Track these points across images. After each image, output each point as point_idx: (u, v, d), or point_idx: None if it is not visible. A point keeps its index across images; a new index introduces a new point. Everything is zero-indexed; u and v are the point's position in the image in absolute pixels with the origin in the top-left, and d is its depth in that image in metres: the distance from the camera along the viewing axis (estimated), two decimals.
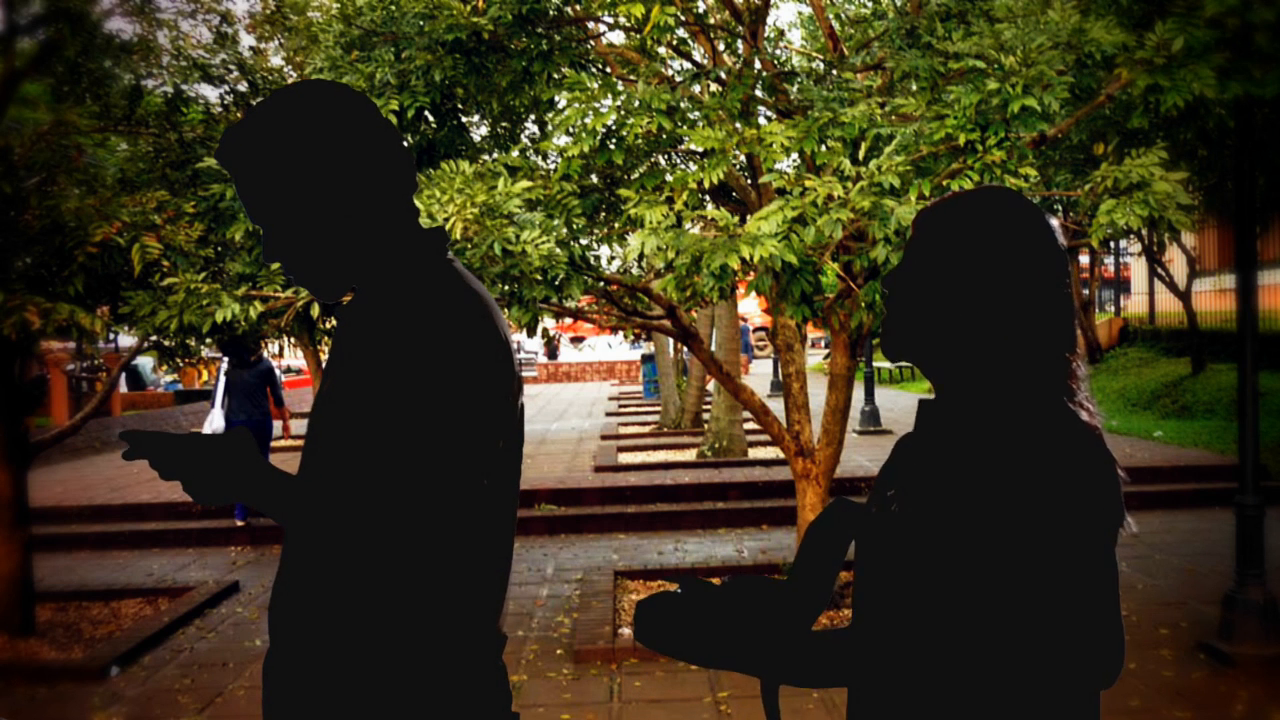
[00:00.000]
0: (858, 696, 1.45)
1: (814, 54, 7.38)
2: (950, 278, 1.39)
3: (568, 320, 9.39)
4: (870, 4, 7.84)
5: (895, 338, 1.45)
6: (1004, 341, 1.37)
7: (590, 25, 6.78)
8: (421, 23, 6.09)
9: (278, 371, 10.22)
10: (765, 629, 1.30)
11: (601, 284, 6.21)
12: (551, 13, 6.27)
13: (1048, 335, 1.39)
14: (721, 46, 6.82)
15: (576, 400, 22.11)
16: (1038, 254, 1.39)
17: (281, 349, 19.20)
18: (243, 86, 7.75)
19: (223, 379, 9.59)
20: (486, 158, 7.16)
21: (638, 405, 19.87)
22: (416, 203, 3.30)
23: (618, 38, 9.61)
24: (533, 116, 8.05)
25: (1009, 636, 1.29)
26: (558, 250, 5.19)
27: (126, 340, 10.09)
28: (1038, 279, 1.38)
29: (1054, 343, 1.39)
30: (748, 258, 4.63)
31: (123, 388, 20.00)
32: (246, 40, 11.58)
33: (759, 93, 6.24)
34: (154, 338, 6.76)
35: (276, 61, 9.05)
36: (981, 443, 1.36)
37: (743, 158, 6.59)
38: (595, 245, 6.67)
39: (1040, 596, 1.27)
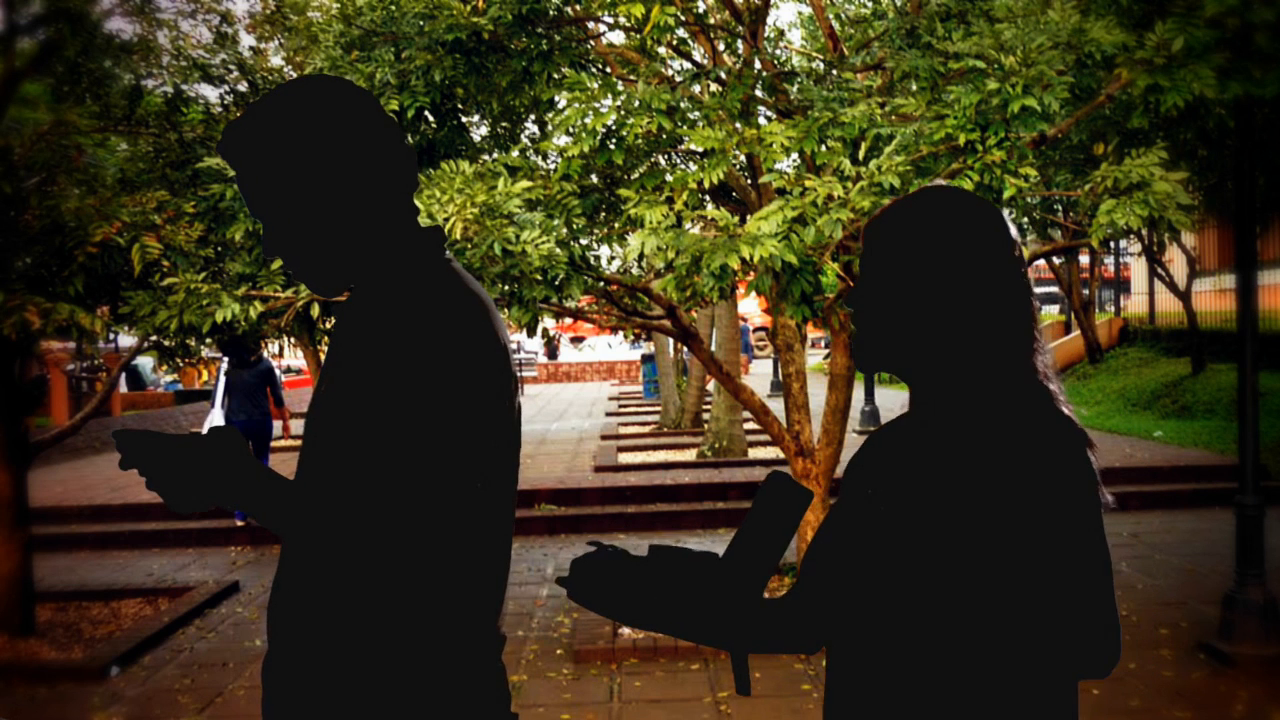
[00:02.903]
0: (838, 691, 1.46)
1: (814, 54, 7.38)
2: (907, 281, 1.41)
3: (568, 320, 9.39)
4: (870, 4, 7.83)
5: (866, 351, 1.47)
6: (967, 338, 1.40)
7: (590, 25, 6.78)
8: (421, 23, 6.09)
9: (278, 371, 10.22)
10: (689, 596, 1.36)
11: (601, 284, 6.20)
12: (551, 13, 6.26)
13: (1008, 327, 1.41)
14: (721, 46, 6.82)
15: (576, 400, 22.10)
16: (989, 247, 1.41)
17: (281, 349, 19.18)
18: (243, 86, 7.75)
19: (223, 379, 9.59)
20: (486, 158, 7.16)
21: (638, 405, 19.86)
22: (416, 202, 3.30)
23: (618, 38, 9.60)
24: (533, 116, 8.05)
25: (1001, 627, 1.30)
26: (558, 250, 5.19)
27: (126, 340, 10.09)
28: (991, 271, 1.40)
29: (1016, 333, 1.42)
30: (748, 258, 4.63)
31: (123, 388, 19.99)
32: (246, 40, 11.57)
33: (759, 93, 6.24)
34: (154, 338, 6.76)
35: (276, 61, 9.05)
36: (959, 434, 1.38)
37: (743, 158, 6.59)
38: (595, 245, 6.67)
39: (1031, 584, 1.28)
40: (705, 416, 14.48)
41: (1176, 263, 17.86)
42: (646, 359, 20.63)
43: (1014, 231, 1.45)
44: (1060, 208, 10.89)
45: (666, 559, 1.38)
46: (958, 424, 1.39)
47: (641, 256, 5.07)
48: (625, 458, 12.38)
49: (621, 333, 11.76)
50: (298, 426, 12.06)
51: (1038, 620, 1.27)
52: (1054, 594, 1.27)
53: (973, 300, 1.39)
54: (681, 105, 5.59)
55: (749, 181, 7.12)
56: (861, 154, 5.21)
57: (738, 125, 5.58)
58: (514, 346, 1.60)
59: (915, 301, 1.40)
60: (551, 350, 30.52)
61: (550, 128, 6.28)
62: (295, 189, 1.54)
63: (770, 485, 1.40)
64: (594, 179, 6.66)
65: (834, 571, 1.49)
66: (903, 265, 1.41)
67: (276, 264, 5.75)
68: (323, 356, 9.63)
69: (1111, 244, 19.79)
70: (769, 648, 1.54)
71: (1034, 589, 1.28)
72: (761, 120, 6.23)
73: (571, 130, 5.41)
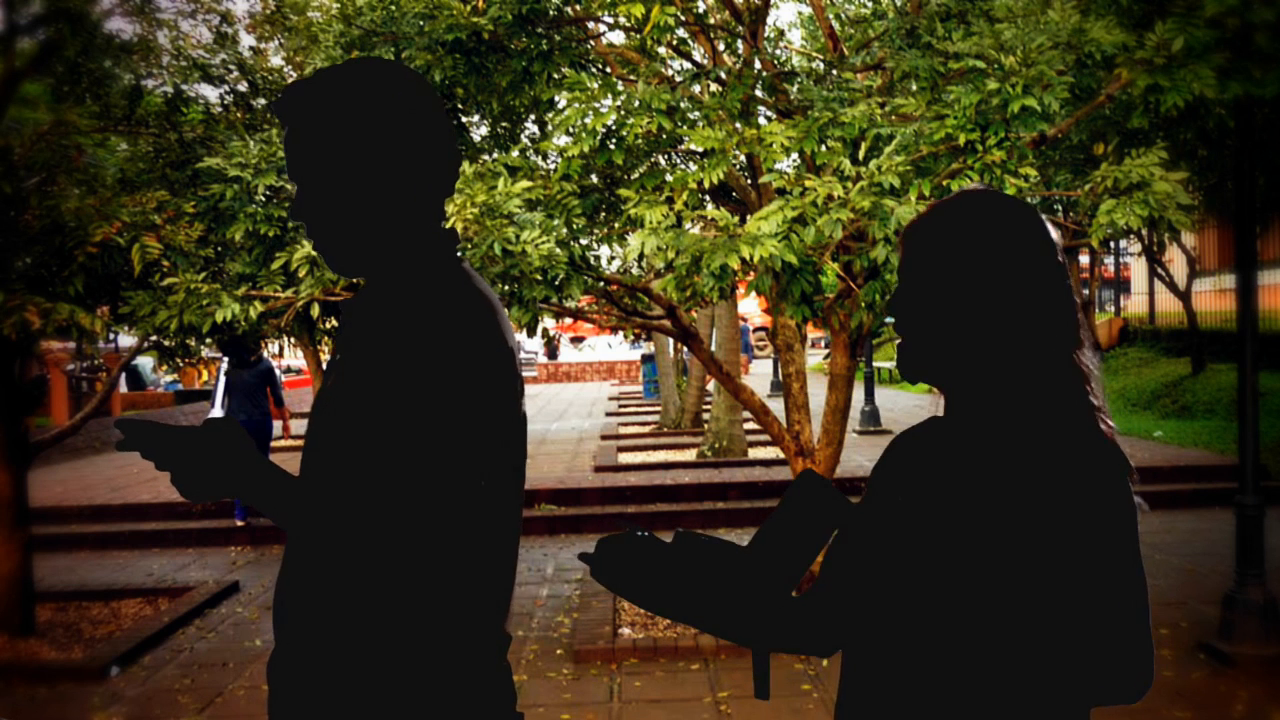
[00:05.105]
0: (853, 696, 1.44)
1: (814, 54, 7.38)
2: (951, 289, 1.37)
3: (568, 320, 9.38)
4: (870, 4, 7.83)
5: (912, 361, 1.42)
6: (1012, 345, 1.36)
7: (590, 25, 6.78)
8: (421, 23, 6.09)
9: (278, 371, 10.22)
10: (716, 590, 1.32)
11: (601, 284, 6.20)
12: (551, 13, 6.26)
13: (1053, 334, 1.38)
14: (721, 46, 6.82)
15: (576, 400, 22.10)
16: (1032, 252, 1.38)
17: (281, 349, 19.19)
18: (243, 86, 7.75)
19: (223, 379, 9.58)
20: (486, 158, 7.16)
21: (638, 405, 19.85)
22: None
23: (618, 38, 9.61)
24: (533, 116, 8.05)
25: (1027, 643, 1.28)
26: (558, 250, 5.19)
27: (126, 340, 10.08)
28: (1035, 276, 1.38)
29: (1060, 341, 1.38)
30: (748, 258, 4.63)
31: (123, 388, 19.99)
32: (246, 40, 11.60)
33: (759, 93, 6.24)
34: (154, 338, 6.75)
35: (276, 61, 9.04)
36: (999, 446, 1.35)
37: (743, 158, 6.59)
38: (595, 245, 6.67)
39: (1065, 604, 1.26)
40: (705, 416, 14.48)
41: (1176, 263, 17.85)
42: (646, 359, 20.63)
43: (1055, 234, 1.41)
44: (1060, 208, 10.89)
45: (694, 548, 1.34)
46: (997, 435, 1.36)
47: (641, 256, 5.07)
48: (625, 458, 12.38)
49: (621, 333, 11.76)
50: (298, 426, 12.06)
51: (1068, 641, 1.26)
52: (1088, 616, 1.25)
53: (1015, 305, 1.36)
54: (681, 105, 5.59)
55: (749, 181, 7.12)
56: (861, 154, 5.21)
57: (738, 125, 5.58)
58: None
59: (959, 308, 1.36)
60: (551, 350, 30.52)
61: (550, 128, 6.28)
62: (341, 162, 1.55)
63: (802, 484, 1.37)
64: (594, 179, 6.66)
65: (854, 574, 1.47)
66: (945, 271, 1.37)
67: (277, 264, 5.75)
68: (323, 357, 9.64)
69: (1111, 244, 19.81)
70: (790, 648, 1.51)
71: (1067, 609, 1.26)
72: (761, 120, 6.23)
73: (571, 130, 5.41)
